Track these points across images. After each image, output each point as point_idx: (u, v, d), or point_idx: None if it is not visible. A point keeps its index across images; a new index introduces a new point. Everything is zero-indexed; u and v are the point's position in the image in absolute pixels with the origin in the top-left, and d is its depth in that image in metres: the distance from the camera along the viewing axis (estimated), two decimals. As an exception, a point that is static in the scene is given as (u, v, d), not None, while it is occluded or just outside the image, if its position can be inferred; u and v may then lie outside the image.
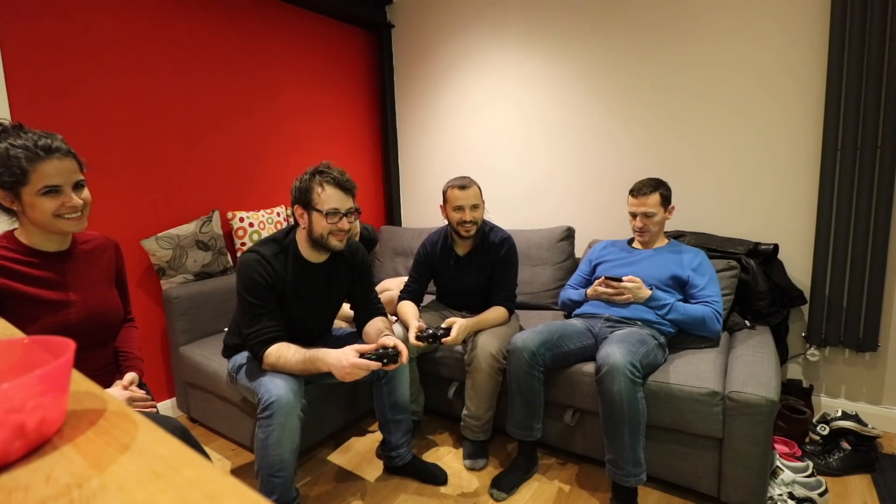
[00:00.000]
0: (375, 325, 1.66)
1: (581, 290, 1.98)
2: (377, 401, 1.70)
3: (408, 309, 1.92)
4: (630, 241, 2.00)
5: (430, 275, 2.07)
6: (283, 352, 1.43)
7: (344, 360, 1.36)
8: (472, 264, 1.98)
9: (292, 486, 1.44)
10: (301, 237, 1.54)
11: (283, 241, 1.54)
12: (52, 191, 1.08)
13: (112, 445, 0.38)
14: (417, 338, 1.69)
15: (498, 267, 1.94)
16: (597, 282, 1.84)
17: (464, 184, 1.87)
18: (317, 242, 1.50)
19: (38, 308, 1.14)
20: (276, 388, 1.37)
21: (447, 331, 1.73)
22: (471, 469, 1.79)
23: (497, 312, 1.91)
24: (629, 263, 1.89)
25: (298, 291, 1.53)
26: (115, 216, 2.02)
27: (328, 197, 1.44)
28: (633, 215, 1.86)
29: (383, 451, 1.76)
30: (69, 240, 1.23)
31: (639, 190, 1.83)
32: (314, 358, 1.40)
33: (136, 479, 0.33)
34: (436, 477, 1.72)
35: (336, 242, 1.49)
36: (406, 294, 2.02)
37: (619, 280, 1.77)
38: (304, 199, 1.46)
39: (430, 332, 1.69)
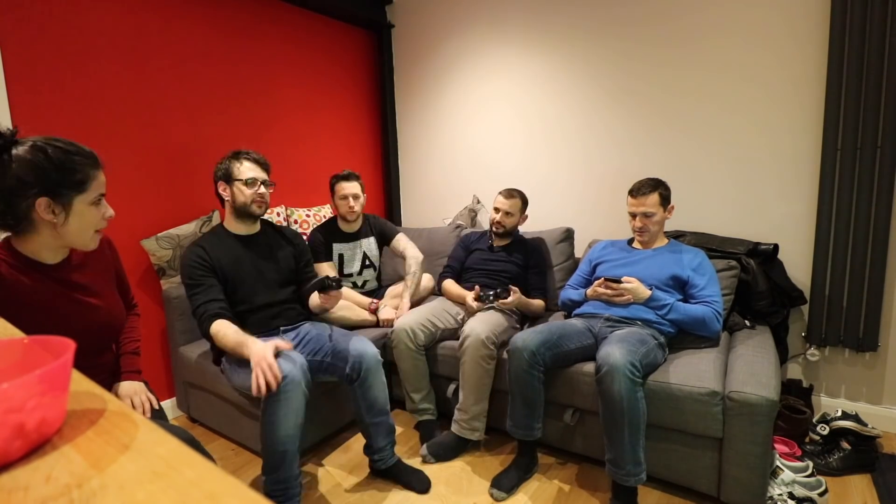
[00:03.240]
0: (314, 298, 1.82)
1: (581, 290, 1.98)
2: (353, 403, 1.66)
3: (452, 286, 2.24)
4: (630, 241, 2.00)
5: (466, 256, 2.36)
6: (225, 329, 1.52)
7: (263, 353, 1.39)
8: (504, 252, 2.28)
9: (296, 463, 1.45)
10: (227, 214, 1.75)
11: (211, 226, 1.74)
12: (100, 201, 1.06)
13: (112, 445, 0.38)
14: (478, 298, 1.97)
15: (532, 267, 2.24)
16: (596, 283, 1.84)
17: (510, 193, 2.22)
18: (240, 212, 1.70)
19: (52, 319, 1.08)
20: (284, 365, 1.40)
21: (504, 292, 1.92)
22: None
23: (538, 302, 2.16)
24: (629, 263, 1.89)
25: (238, 263, 1.68)
26: (116, 216, 2.02)
27: (246, 169, 1.68)
28: (633, 215, 1.86)
29: (366, 453, 1.72)
30: (67, 251, 1.15)
31: (638, 190, 1.82)
32: (243, 343, 1.46)
33: (136, 479, 0.33)
34: (419, 482, 1.67)
35: (256, 208, 1.70)
36: (448, 273, 2.33)
37: (619, 281, 1.76)
38: (225, 175, 1.68)
39: (492, 293, 1.92)
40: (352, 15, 2.90)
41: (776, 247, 1.99)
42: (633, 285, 1.75)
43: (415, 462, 1.80)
